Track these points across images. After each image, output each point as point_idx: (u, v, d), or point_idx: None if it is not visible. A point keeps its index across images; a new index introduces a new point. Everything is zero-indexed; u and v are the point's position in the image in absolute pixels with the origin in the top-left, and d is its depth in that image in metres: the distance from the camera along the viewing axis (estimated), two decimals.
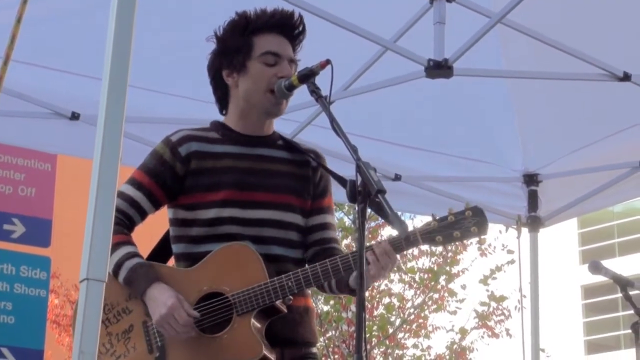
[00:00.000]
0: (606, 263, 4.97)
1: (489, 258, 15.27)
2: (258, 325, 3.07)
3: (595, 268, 4.83)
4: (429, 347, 15.44)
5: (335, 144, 4.80)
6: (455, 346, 15.23)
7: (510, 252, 14.74)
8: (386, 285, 14.96)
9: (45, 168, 7.45)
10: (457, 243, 3.09)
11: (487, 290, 15.03)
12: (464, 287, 15.07)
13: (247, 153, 3.22)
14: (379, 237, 14.76)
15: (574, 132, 5.42)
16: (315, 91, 3.02)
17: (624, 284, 4.77)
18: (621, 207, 28.17)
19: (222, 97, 3.34)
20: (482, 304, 15.22)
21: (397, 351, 14.91)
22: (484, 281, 14.71)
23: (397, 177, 5.61)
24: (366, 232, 2.74)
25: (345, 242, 14.54)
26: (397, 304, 14.91)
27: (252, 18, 3.23)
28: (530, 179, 5.78)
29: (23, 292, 7.07)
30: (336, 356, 14.39)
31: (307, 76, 3.05)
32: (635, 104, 4.87)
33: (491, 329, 15.45)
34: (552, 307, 26.07)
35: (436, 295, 15.06)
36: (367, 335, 13.49)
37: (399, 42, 4.36)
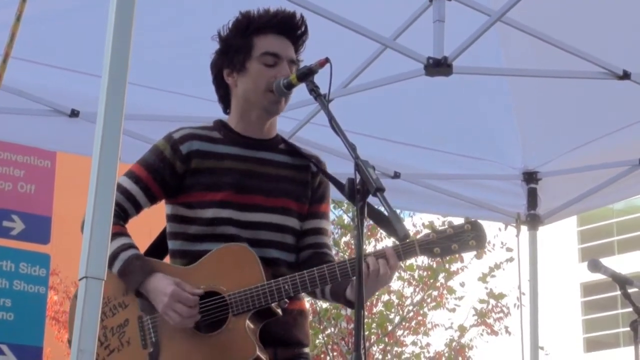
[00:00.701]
0: (605, 261, 4.97)
1: (488, 256, 15.27)
2: (252, 326, 3.08)
3: (595, 266, 4.83)
4: (428, 345, 15.45)
5: (334, 142, 4.81)
6: (454, 343, 15.25)
7: (509, 249, 14.76)
8: None
9: (45, 165, 7.46)
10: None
11: (486, 288, 15.04)
12: (463, 284, 15.08)
13: (248, 155, 3.23)
14: (378, 235, 14.77)
15: (573, 130, 5.43)
16: (314, 89, 3.02)
17: (622, 282, 4.78)
18: (621, 205, 28.19)
19: (224, 96, 3.34)
20: (481, 301, 15.23)
21: (396, 348, 14.92)
22: (483, 279, 14.73)
23: (397, 175, 5.61)
24: (365, 230, 2.74)
25: (344, 239, 14.56)
26: (396, 301, 14.92)
27: (254, 18, 3.23)
28: (530, 177, 5.78)
29: (22, 288, 7.08)
30: (335, 353, 14.40)
31: (306, 74, 3.05)
32: (634, 102, 4.87)
33: (490, 327, 15.46)
34: (552, 304, 26.08)
35: (435, 293, 15.07)
36: (366, 333, 13.50)
37: (398, 40, 4.36)
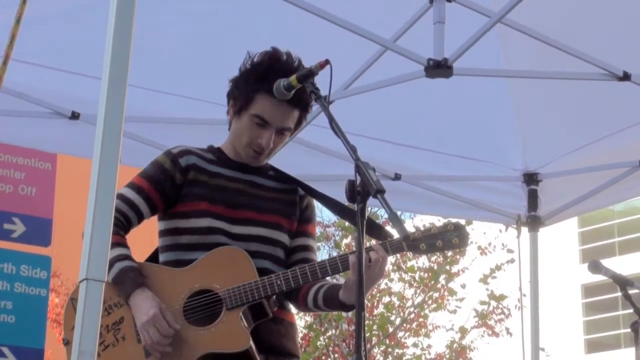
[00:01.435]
0: (606, 262, 4.97)
1: (489, 257, 15.28)
2: (246, 323, 3.18)
3: (595, 268, 4.83)
4: (429, 346, 15.46)
5: (334, 143, 4.82)
6: (455, 345, 15.25)
7: (510, 251, 14.76)
8: (386, 284, 14.97)
9: (46, 167, 7.46)
10: (438, 253, 3.31)
11: (487, 290, 15.04)
12: (463, 286, 15.08)
13: (239, 177, 3.38)
14: None
15: (573, 131, 5.42)
16: (314, 91, 3.04)
17: (623, 283, 4.77)
18: (621, 206, 28.18)
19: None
20: (482, 303, 15.23)
21: (397, 350, 14.93)
22: (484, 280, 14.73)
23: (397, 177, 5.61)
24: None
25: (345, 241, 14.56)
26: (397, 302, 14.92)
27: (267, 75, 3.25)
28: (530, 178, 5.78)
29: (23, 291, 7.08)
30: (336, 355, 14.40)
31: (306, 76, 3.06)
32: (634, 103, 4.87)
33: (491, 328, 15.47)
34: (552, 306, 26.08)
35: (436, 294, 15.08)
36: (367, 334, 13.49)
37: (398, 42, 4.35)
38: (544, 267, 6.32)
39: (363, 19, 4.11)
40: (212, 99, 4.87)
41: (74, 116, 4.89)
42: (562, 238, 28.45)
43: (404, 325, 14.98)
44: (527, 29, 4.30)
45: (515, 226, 5.96)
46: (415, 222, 15.78)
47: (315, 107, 4.64)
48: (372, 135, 5.34)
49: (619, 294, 4.79)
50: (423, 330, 15.23)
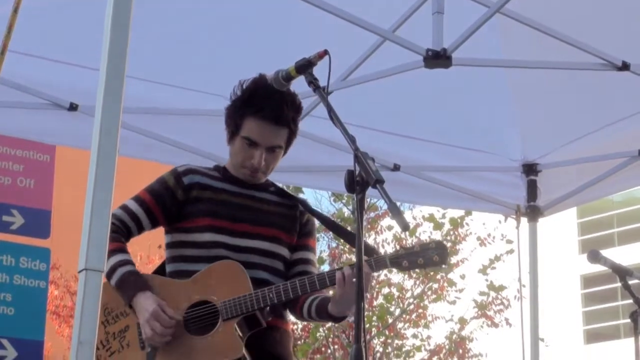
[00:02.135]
0: (605, 252, 4.97)
1: (488, 248, 15.29)
2: (240, 333, 3.37)
3: (594, 257, 4.83)
4: (428, 337, 15.47)
5: (333, 134, 4.81)
6: (454, 336, 15.27)
7: (509, 241, 14.76)
8: (385, 275, 14.98)
9: (44, 159, 7.44)
10: (419, 270, 3.51)
11: (487, 280, 15.05)
12: (463, 277, 15.08)
13: (242, 192, 3.58)
14: (378, 228, 14.78)
15: (572, 121, 5.42)
16: (313, 82, 3.05)
17: (623, 273, 4.77)
18: (621, 197, 28.18)
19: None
20: (482, 293, 15.24)
21: (396, 341, 14.94)
22: (483, 271, 14.74)
23: (396, 167, 5.60)
24: (365, 223, 2.76)
25: None
26: (396, 294, 14.93)
27: (251, 97, 3.48)
28: (529, 169, 5.78)
29: (23, 283, 7.07)
30: (336, 346, 14.42)
31: (305, 67, 3.06)
32: (633, 93, 4.87)
33: (491, 319, 15.48)
34: (552, 296, 26.10)
35: (435, 285, 15.08)
36: (367, 325, 13.50)
37: (397, 32, 4.35)
38: (543, 258, 6.32)
39: (362, 10, 4.10)
40: (211, 89, 4.86)
41: (73, 107, 4.88)
42: (561, 229, 28.47)
43: (404, 316, 14.99)
44: (525, 19, 4.29)
45: (514, 217, 5.96)
46: (415, 213, 15.79)
47: (313, 97, 4.64)
48: (371, 126, 5.33)
49: (618, 284, 4.79)
50: (422, 321, 15.24)
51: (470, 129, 5.59)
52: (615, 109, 5.19)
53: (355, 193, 2.71)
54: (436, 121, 5.52)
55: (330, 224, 3.85)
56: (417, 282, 15.02)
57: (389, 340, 14.77)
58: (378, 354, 14.71)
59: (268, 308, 3.42)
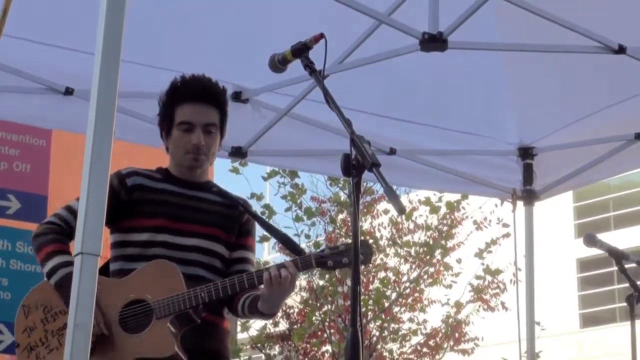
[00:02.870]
0: (602, 236, 4.97)
1: (485, 232, 15.28)
2: (174, 330, 3.50)
3: (590, 241, 4.84)
4: (424, 321, 15.46)
5: (329, 117, 4.79)
6: (450, 320, 15.27)
7: (505, 225, 14.75)
8: (382, 259, 14.98)
9: (40, 144, 7.44)
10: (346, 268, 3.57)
11: (483, 264, 15.05)
12: (459, 260, 15.07)
13: (183, 193, 3.73)
14: (374, 212, 14.77)
15: (569, 105, 5.41)
16: (308, 65, 3.05)
17: (619, 256, 4.78)
18: (617, 180, 28.18)
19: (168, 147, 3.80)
20: (478, 277, 15.24)
21: (392, 325, 14.94)
22: (480, 255, 14.73)
23: (392, 151, 5.60)
24: (361, 207, 2.75)
25: (340, 216, 14.56)
26: (392, 278, 14.92)
27: (176, 89, 3.70)
28: (526, 152, 5.77)
29: (19, 268, 7.09)
30: (332, 330, 14.44)
31: (301, 50, 3.07)
32: (630, 76, 4.86)
33: (487, 303, 15.48)
34: (548, 280, 26.13)
35: (432, 269, 15.07)
36: (363, 309, 13.52)
37: (393, 16, 4.33)
38: (539, 242, 6.32)
39: None
40: (206, 73, 4.85)
41: (68, 92, 4.88)
42: (557, 213, 28.47)
43: (400, 300, 14.99)
44: (522, 2, 4.28)
45: (510, 200, 5.95)
46: (411, 197, 15.78)
47: (309, 81, 4.63)
48: (366, 109, 5.33)
49: (614, 268, 4.80)
50: (419, 305, 15.23)
51: (466, 113, 5.59)
52: (612, 92, 5.18)
53: (351, 177, 2.72)
54: (432, 105, 5.51)
55: (267, 227, 3.96)
56: (413, 266, 15.02)
57: (385, 324, 14.77)
58: (374, 338, 14.72)
59: (201, 306, 3.52)
